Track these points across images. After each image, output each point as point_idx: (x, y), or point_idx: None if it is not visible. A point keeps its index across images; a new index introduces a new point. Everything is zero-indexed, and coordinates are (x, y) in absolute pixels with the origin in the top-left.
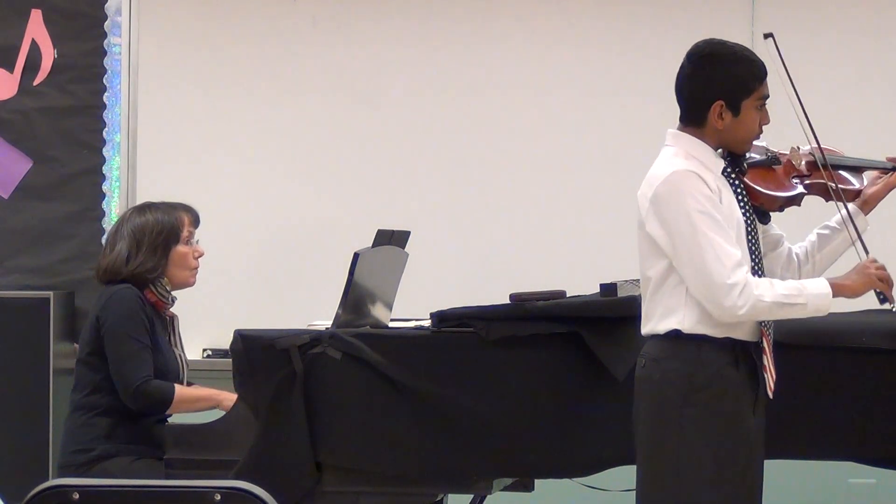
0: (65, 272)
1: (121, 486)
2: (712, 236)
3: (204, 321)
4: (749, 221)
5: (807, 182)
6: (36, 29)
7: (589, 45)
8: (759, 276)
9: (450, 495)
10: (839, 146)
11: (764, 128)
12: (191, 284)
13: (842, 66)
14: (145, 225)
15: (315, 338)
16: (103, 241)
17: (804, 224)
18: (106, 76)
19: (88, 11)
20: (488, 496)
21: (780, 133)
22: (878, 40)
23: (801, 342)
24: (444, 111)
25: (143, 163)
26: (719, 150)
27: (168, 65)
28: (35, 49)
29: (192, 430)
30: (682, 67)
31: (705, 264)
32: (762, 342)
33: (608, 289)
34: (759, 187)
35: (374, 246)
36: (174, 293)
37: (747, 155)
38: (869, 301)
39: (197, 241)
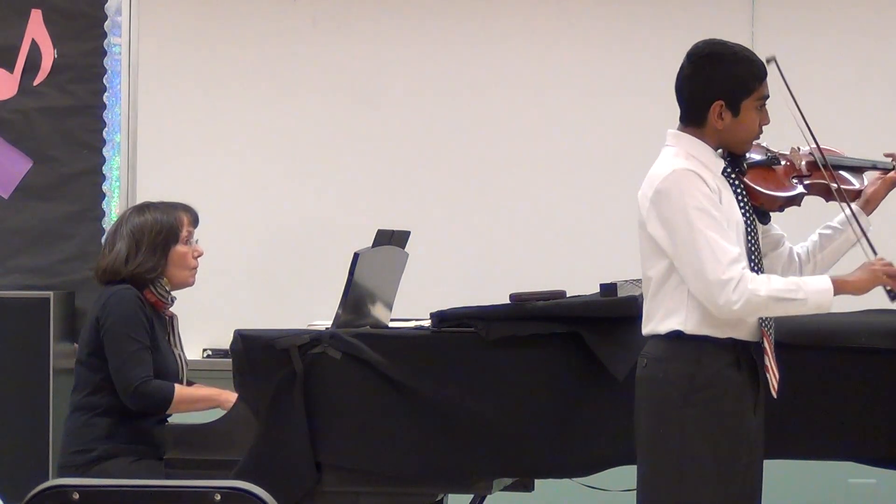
0: (65, 272)
1: (121, 486)
2: (709, 233)
3: (204, 321)
4: (749, 221)
5: (807, 182)
6: (36, 29)
7: (589, 45)
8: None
9: (450, 495)
10: (839, 146)
11: (764, 128)
12: (190, 284)
13: (842, 66)
14: (144, 225)
15: (315, 338)
16: (103, 241)
17: (804, 224)
18: (106, 76)
19: (88, 11)
20: (488, 496)
21: (781, 133)
22: (878, 40)
23: (801, 342)
24: (444, 111)
25: (143, 163)
26: (719, 151)
27: (168, 65)
28: (35, 49)
29: (192, 430)
30: (682, 67)
31: (701, 261)
32: (763, 343)
33: (608, 289)
34: (759, 187)
35: (374, 246)
36: (174, 293)
37: (747, 155)
38: (869, 301)
39: (196, 241)
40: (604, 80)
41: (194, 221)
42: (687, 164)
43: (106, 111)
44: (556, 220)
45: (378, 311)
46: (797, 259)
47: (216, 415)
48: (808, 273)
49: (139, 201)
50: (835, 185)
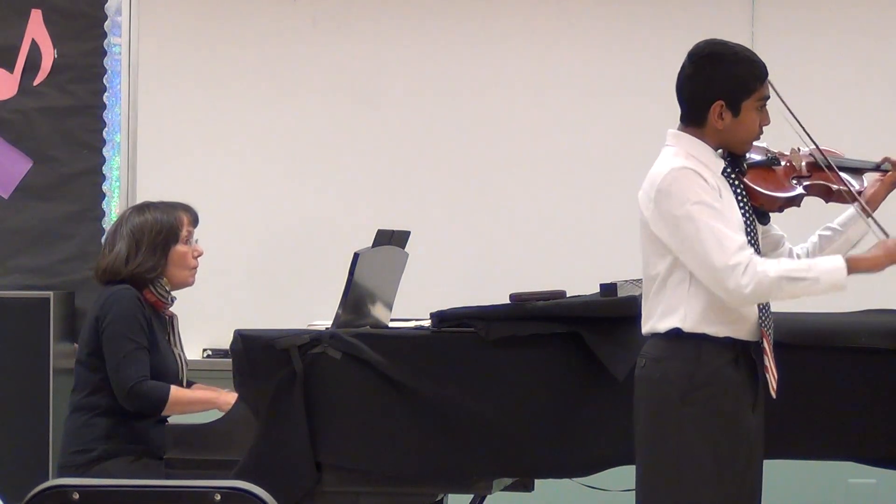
0: (65, 272)
1: (121, 486)
2: (713, 224)
3: (204, 321)
4: (749, 222)
5: (806, 183)
6: (36, 29)
7: (589, 45)
8: None
9: (450, 495)
10: (839, 146)
11: (765, 128)
12: (190, 284)
13: (842, 66)
14: (144, 224)
15: (315, 338)
16: (103, 241)
17: (804, 224)
18: (106, 76)
19: (88, 11)
20: (488, 496)
21: (781, 134)
22: (878, 40)
23: (801, 342)
24: (444, 111)
25: (143, 163)
26: (719, 151)
27: (168, 65)
28: (35, 49)
29: (192, 430)
30: (682, 67)
31: (707, 251)
32: (762, 342)
33: (608, 289)
34: (758, 188)
35: (374, 246)
36: (174, 293)
37: (747, 155)
38: (869, 301)
39: (196, 241)
40: (604, 80)
41: (194, 221)
42: (686, 162)
43: (106, 111)
44: (556, 220)
45: (378, 311)
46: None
47: (216, 415)
48: None
49: (139, 201)
50: (835, 187)
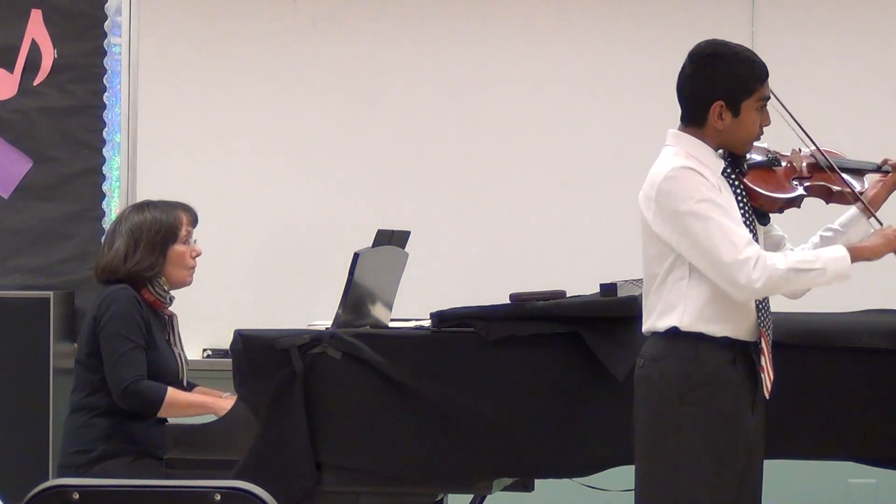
0: (65, 272)
1: (121, 486)
2: (718, 219)
3: (204, 321)
4: (749, 222)
5: (807, 184)
6: (36, 29)
7: (589, 45)
8: None
9: (450, 495)
10: (839, 146)
11: (765, 129)
12: (187, 284)
13: (842, 65)
14: (143, 223)
15: (315, 338)
16: (102, 240)
17: (804, 225)
18: (106, 76)
19: (88, 11)
20: (488, 496)
21: (781, 134)
22: (878, 40)
23: (801, 342)
24: (444, 111)
25: (143, 163)
26: (720, 151)
27: (168, 65)
28: (35, 49)
29: (192, 430)
30: (683, 67)
31: (715, 247)
32: (761, 343)
33: (608, 289)
34: (758, 188)
35: (374, 246)
36: (172, 292)
37: (748, 156)
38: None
39: (195, 241)
40: (604, 79)
41: (193, 221)
42: (687, 162)
43: (106, 111)
44: (556, 220)
45: (378, 311)
46: None
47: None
48: None
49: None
50: (836, 188)
